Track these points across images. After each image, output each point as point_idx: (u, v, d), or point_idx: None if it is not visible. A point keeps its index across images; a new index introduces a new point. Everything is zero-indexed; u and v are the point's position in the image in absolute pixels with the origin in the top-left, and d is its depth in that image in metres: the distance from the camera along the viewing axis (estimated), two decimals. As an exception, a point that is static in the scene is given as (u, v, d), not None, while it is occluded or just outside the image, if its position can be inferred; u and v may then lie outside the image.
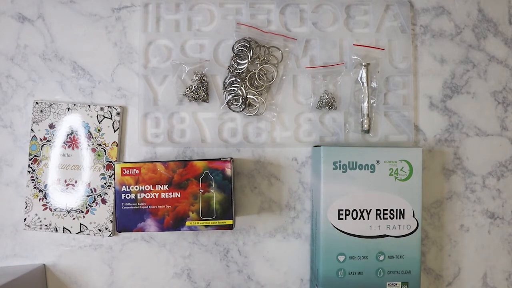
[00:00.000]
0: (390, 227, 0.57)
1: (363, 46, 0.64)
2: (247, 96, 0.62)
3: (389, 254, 0.57)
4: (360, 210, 0.57)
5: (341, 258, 0.57)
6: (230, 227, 0.55)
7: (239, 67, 0.62)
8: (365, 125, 0.62)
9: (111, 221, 0.61)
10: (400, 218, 0.57)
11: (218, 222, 0.55)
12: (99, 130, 0.62)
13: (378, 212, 0.57)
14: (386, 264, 0.57)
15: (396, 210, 0.57)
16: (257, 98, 0.62)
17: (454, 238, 0.65)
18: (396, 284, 0.57)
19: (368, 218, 0.57)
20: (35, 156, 0.62)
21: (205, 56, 0.63)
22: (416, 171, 0.57)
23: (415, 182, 0.57)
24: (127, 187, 0.55)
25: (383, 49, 0.64)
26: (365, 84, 0.62)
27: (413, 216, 0.57)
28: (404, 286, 0.57)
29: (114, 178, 0.57)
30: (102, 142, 0.62)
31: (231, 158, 0.56)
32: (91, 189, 0.61)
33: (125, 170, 0.55)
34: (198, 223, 0.55)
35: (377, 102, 0.63)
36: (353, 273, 0.57)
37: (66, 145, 0.62)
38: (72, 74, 0.63)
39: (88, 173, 0.61)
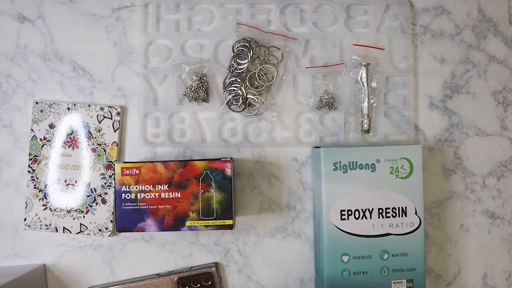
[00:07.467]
0: (393, 225, 0.57)
1: (363, 46, 0.64)
2: (247, 96, 0.62)
3: (393, 253, 0.57)
4: (362, 209, 0.57)
5: (345, 258, 0.57)
6: (230, 227, 0.55)
7: (239, 67, 0.62)
8: (365, 125, 0.62)
9: (111, 221, 0.61)
10: (402, 216, 0.57)
11: (218, 222, 0.55)
12: (99, 130, 0.62)
13: (381, 211, 0.57)
14: (390, 262, 0.57)
15: (398, 208, 0.57)
16: (257, 98, 0.62)
17: (454, 238, 0.65)
18: (401, 282, 0.57)
19: (371, 218, 0.57)
20: (35, 156, 0.62)
21: (205, 56, 0.63)
22: (417, 169, 0.57)
23: (416, 180, 0.58)
24: (127, 187, 0.55)
25: (383, 49, 0.64)
26: (365, 84, 0.62)
27: (416, 213, 0.57)
28: (409, 284, 0.57)
29: (114, 178, 0.57)
30: (102, 142, 0.62)
31: (231, 158, 0.56)
32: (91, 189, 0.61)
33: (125, 170, 0.55)
34: (198, 223, 0.55)
35: (377, 102, 0.63)
36: (357, 273, 0.57)
37: (66, 145, 0.62)
38: (72, 74, 0.63)
39: (88, 173, 0.61)
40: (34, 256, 0.62)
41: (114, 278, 0.62)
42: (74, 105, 0.62)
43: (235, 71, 0.62)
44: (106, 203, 0.61)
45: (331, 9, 0.65)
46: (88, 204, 0.61)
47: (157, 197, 0.55)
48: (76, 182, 0.61)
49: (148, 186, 0.55)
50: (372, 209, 0.57)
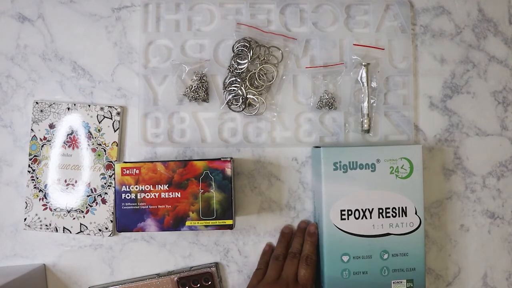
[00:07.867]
0: (393, 225, 0.57)
1: (363, 46, 0.64)
2: (247, 96, 0.62)
3: (393, 253, 0.57)
4: (362, 209, 0.57)
5: (345, 258, 0.57)
6: (230, 227, 0.55)
7: (239, 67, 0.62)
8: (365, 125, 0.62)
9: (111, 221, 0.61)
10: (402, 216, 0.57)
11: (218, 222, 0.55)
12: (99, 130, 0.62)
13: (381, 211, 0.57)
14: (390, 262, 0.57)
15: (398, 208, 0.57)
16: (257, 98, 0.62)
17: (454, 238, 0.65)
18: (401, 281, 0.57)
19: (371, 217, 0.57)
20: (35, 156, 0.62)
21: (205, 56, 0.63)
22: (417, 169, 0.57)
23: (416, 180, 0.58)
24: (127, 187, 0.55)
25: (383, 49, 0.64)
26: (365, 84, 0.62)
27: (416, 213, 0.57)
28: (409, 284, 0.57)
29: (114, 178, 0.57)
30: (102, 142, 0.62)
31: (231, 158, 0.56)
32: (91, 189, 0.61)
33: (125, 170, 0.55)
34: (198, 223, 0.55)
35: (377, 102, 0.63)
36: (357, 273, 0.57)
37: (66, 145, 0.62)
38: (72, 74, 0.63)
39: (88, 173, 0.61)
40: (34, 256, 0.62)
41: (114, 278, 0.62)
42: (74, 105, 0.62)
43: (235, 71, 0.62)
44: (106, 203, 0.61)
45: (331, 9, 0.65)
46: (88, 204, 0.61)
47: (157, 197, 0.55)
48: (76, 182, 0.61)
49: (148, 186, 0.55)
50: (372, 209, 0.57)
